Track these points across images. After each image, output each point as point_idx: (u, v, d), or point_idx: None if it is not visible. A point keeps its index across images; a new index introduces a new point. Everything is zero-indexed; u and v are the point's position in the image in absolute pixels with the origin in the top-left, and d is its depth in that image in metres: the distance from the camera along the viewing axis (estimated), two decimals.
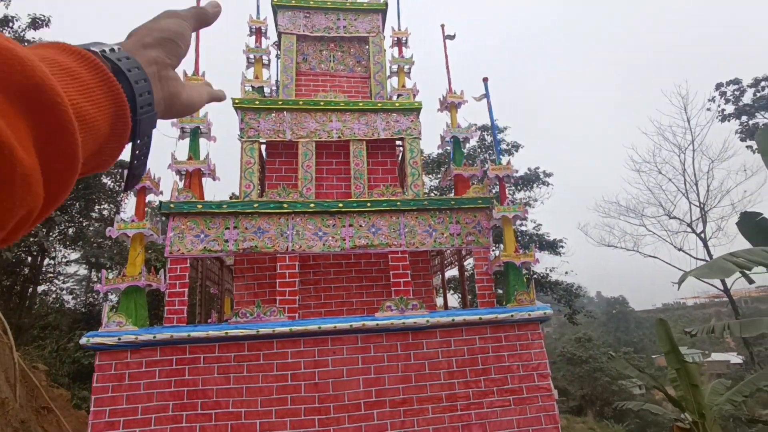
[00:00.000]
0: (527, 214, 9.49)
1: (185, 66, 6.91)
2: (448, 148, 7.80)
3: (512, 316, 6.07)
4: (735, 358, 40.53)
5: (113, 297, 13.22)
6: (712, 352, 47.80)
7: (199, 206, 6.13)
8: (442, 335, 5.99)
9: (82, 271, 18.42)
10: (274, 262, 6.34)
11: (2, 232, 0.37)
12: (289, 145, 7.20)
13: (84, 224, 15.81)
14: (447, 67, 7.84)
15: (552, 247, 18.17)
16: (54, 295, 16.52)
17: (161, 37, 0.58)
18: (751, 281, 6.02)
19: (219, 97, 0.76)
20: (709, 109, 20.87)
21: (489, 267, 6.57)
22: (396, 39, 8.32)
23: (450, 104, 7.58)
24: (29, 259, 14.90)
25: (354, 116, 7.24)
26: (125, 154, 0.55)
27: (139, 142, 0.53)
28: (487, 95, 7.49)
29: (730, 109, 20.13)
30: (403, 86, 7.87)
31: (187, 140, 6.63)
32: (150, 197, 6.51)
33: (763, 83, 19.27)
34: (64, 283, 17.51)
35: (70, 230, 15.61)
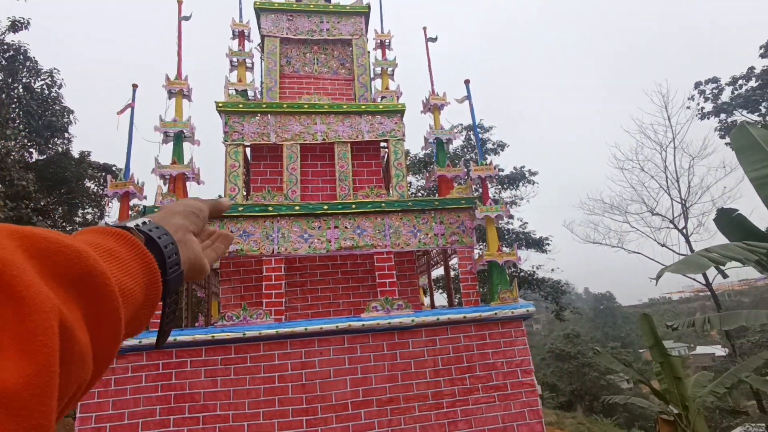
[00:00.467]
0: (510, 213, 9.62)
1: (168, 71, 6.90)
2: (432, 149, 7.89)
3: (496, 314, 6.18)
4: (719, 351, 41.29)
5: None
6: (698, 345, 48.71)
7: None
8: (428, 334, 6.07)
9: None
10: (261, 265, 6.36)
11: (60, 403, 0.39)
12: (274, 147, 7.22)
13: (67, 229, 15.63)
14: (429, 69, 7.93)
15: (538, 244, 18.38)
16: None
17: (187, 210, 0.69)
18: (725, 276, 6.18)
19: (225, 208, 0.83)
20: (688, 108, 21.22)
21: (473, 266, 6.67)
22: (379, 41, 8.39)
23: (433, 106, 7.68)
24: None
25: (338, 118, 7.30)
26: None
27: (168, 300, 0.59)
28: (469, 97, 7.59)
29: (709, 107, 20.55)
30: (387, 88, 7.95)
31: (171, 145, 6.63)
32: (134, 201, 6.50)
33: (740, 81, 19.71)
34: None
35: None
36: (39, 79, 14.60)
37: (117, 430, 5.13)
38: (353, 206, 6.58)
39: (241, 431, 5.34)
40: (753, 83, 19.16)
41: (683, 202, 19.52)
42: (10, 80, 14.20)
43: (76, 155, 15.56)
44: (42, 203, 14.17)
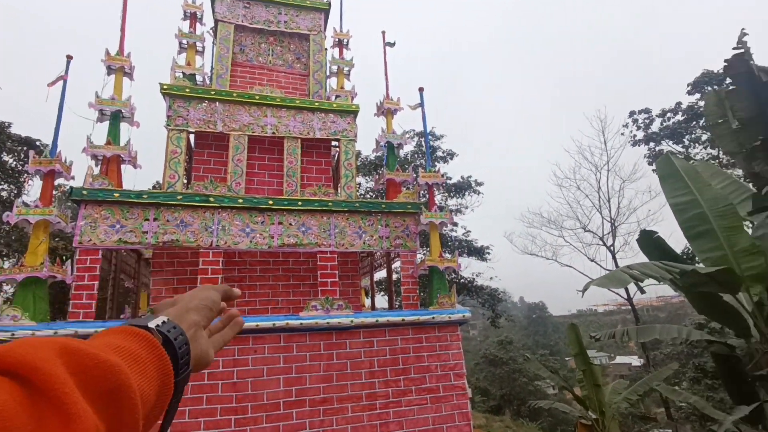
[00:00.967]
0: (453, 221, 9.87)
1: (109, 46, 6.46)
2: (383, 152, 7.94)
3: (433, 318, 6.30)
4: (636, 361, 44.49)
5: (9, 288, 12.00)
6: (618, 355, 52.24)
7: (116, 195, 5.76)
8: (366, 335, 6.08)
9: None
10: (197, 257, 6.11)
11: None
12: (220, 137, 6.97)
13: None
14: (386, 74, 7.99)
15: (479, 253, 19.01)
16: None
17: (202, 305, 0.72)
18: (642, 291, 6.67)
19: (236, 296, 0.85)
20: (623, 134, 22.86)
21: (415, 270, 6.77)
22: (337, 40, 8.35)
23: (386, 110, 7.74)
24: None
25: (290, 113, 7.17)
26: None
27: (174, 398, 0.60)
28: (422, 104, 7.72)
29: (640, 135, 22.18)
30: (342, 87, 7.91)
31: (106, 124, 6.21)
32: (60, 181, 6.02)
33: (669, 114, 21.45)
34: None
35: None
36: None
37: None
38: (299, 203, 6.48)
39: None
40: (679, 117, 20.90)
41: (612, 221, 20.95)
42: None
43: None
44: None
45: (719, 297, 6.14)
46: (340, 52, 8.30)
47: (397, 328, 6.21)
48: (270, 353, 5.67)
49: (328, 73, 8.04)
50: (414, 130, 19.49)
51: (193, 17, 7.53)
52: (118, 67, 6.39)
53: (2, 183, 14.62)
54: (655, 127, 21.82)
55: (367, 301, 11.09)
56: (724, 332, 7.43)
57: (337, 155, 7.86)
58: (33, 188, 15.54)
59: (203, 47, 7.46)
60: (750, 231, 6.12)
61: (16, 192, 14.82)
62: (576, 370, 11.82)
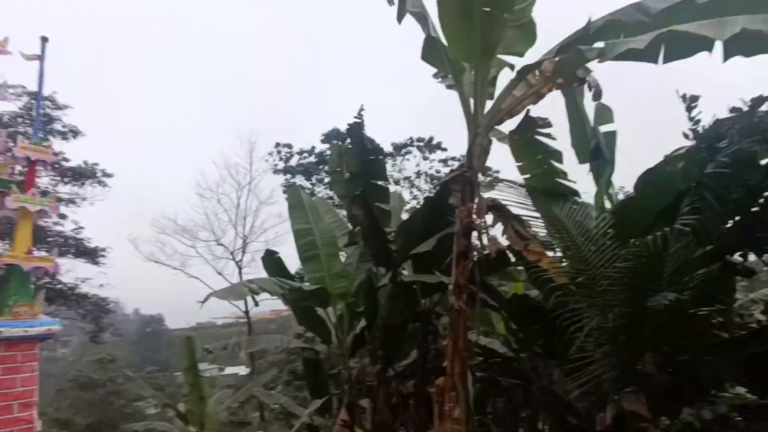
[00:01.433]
0: (60, 211, 8.06)
1: None
2: None
3: (1, 332, 4.70)
4: (243, 371, 47.92)
5: None
6: (228, 367, 54.87)
7: None
8: None
9: None
10: None
11: None
12: None
13: None
14: None
15: (91, 254, 16.10)
16: None
17: None
18: (257, 303, 7.30)
19: None
20: (267, 161, 25.07)
21: None
22: None
23: None
24: None
25: None
26: None
27: None
28: (42, 57, 5.96)
29: (281, 165, 25.01)
30: None
31: None
32: None
33: (305, 153, 25.08)
34: None
35: None
36: None
37: None
38: None
39: None
40: (313, 158, 24.79)
41: (245, 238, 22.39)
42: None
43: None
44: None
45: (314, 310, 7.40)
46: None
47: None
48: None
49: None
50: (24, 87, 14.88)
51: None
52: None
53: None
54: (294, 161, 25.10)
55: None
56: (315, 340, 8.92)
57: None
58: None
59: None
60: (343, 259, 7.74)
61: None
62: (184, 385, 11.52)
